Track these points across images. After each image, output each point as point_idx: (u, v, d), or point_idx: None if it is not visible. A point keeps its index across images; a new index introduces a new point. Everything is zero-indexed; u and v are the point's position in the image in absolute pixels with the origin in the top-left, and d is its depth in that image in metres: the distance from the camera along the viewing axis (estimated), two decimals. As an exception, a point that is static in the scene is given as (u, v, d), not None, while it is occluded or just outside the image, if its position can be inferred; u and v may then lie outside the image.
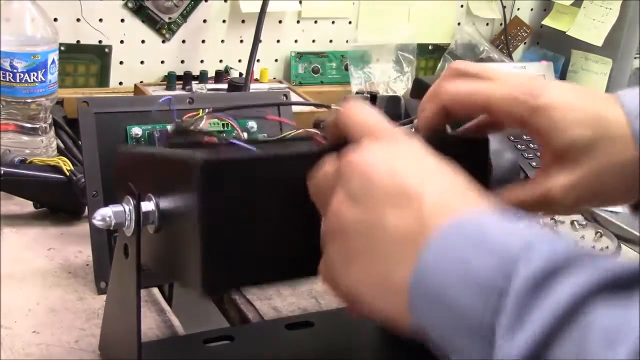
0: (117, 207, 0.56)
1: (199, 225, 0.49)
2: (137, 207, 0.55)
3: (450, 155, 0.55)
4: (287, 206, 0.51)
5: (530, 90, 0.55)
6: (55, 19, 1.12)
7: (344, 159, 0.49)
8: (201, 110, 0.64)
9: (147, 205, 0.56)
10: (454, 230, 0.43)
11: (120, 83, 1.23)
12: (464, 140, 0.58)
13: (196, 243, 0.49)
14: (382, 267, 0.45)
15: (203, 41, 1.27)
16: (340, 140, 0.51)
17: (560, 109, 0.54)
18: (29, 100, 0.97)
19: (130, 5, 1.20)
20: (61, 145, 1.04)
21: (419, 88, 1.25)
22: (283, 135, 0.67)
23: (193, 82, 1.21)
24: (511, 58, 1.48)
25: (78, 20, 1.17)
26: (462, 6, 1.48)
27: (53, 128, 1.02)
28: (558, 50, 1.47)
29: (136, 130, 0.76)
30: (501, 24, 1.50)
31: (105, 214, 0.56)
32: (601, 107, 0.55)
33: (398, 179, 0.46)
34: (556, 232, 0.42)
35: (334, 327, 0.60)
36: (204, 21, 1.26)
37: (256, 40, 1.21)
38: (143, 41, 1.23)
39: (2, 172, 0.88)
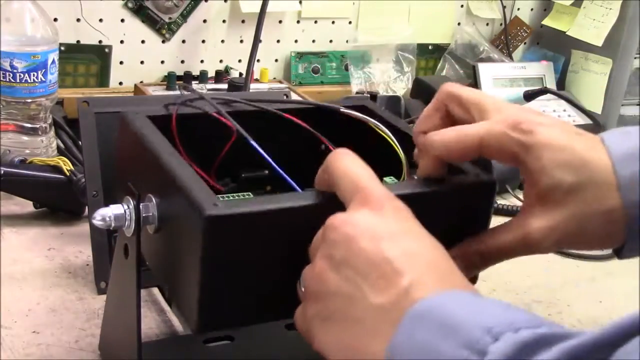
0: (117, 208, 0.56)
1: (200, 272, 0.50)
2: (137, 208, 0.56)
3: (452, 203, 0.57)
4: (286, 254, 0.53)
5: (522, 125, 0.54)
6: (55, 19, 1.12)
7: (330, 223, 0.49)
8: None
9: (147, 206, 0.56)
10: (425, 311, 0.44)
11: (120, 83, 1.23)
12: (468, 186, 0.59)
13: (195, 283, 0.51)
14: (358, 336, 0.46)
15: (203, 41, 1.27)
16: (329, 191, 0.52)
17: (550, 149, 0.54)
18: (29, 100, 0.97)
19: (130, 5, 1.20)
20: (61, 145, 1.04)
21: (419, 88, 1.25)
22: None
23: (193, 82, 1.21)
24: (511, 58, 1.47)
25: (78, 20, 1.17)
26: (462, 6, 1.48)
27: (53, 128, 1.02)
28: (558, 50, 1.46)
29: None
30: (501, 24, 1.50)
31: (105, 214, 0.56)
32: (588, 150, 0.54)
33: (382, 251, 0.47)
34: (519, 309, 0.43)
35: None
36: (204, 21, 1.26)
37: (256, 40, 1.21)
38: (143, 41, 1.23)
39: (2, 172, 0.88)
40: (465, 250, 0.57)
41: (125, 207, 0.56)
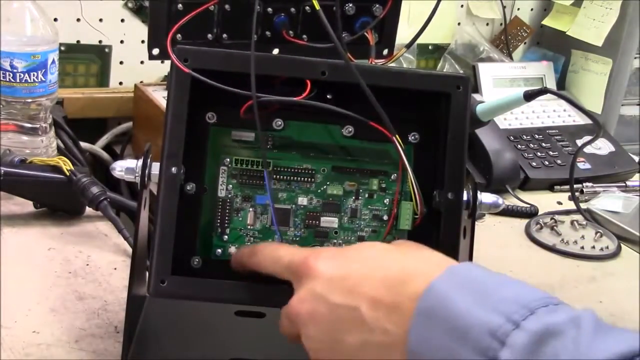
0: (132, 162, 0.64)
1: None
2: (144, 164, 0.62)
3: None
4: None
5: None
6: (55, 19, 1.12)
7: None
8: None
9: (157, 166, 0.62)
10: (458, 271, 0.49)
11: (120, 83, 1.23)
12: None
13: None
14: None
15: (203, 41, 1.27)
16: None
17: None
18: (29, 100, 0.97)
19: (130, 5, 1.20)
20: (61, 145, 1.04)
21: (419, 88, 1.25)
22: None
23: (193, 82, 1.21)
24: (511, 58, 1.48)
25: (78, 20, 1.17)
26: (462, 6, 1.48)
27: (53, 128, 1.03)
28: (558, 50, 1.47)
29: None
30: (501, 24, 1.50)
31: (122, 166, 0.64)
32: None
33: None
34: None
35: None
36: (204, 21, 1.26)
37: (256, 40, 1.20)
38: (143, 41, 1.23)
39: (2, 172, 0.88)
40: None
41: (138, 163, 0.63)
